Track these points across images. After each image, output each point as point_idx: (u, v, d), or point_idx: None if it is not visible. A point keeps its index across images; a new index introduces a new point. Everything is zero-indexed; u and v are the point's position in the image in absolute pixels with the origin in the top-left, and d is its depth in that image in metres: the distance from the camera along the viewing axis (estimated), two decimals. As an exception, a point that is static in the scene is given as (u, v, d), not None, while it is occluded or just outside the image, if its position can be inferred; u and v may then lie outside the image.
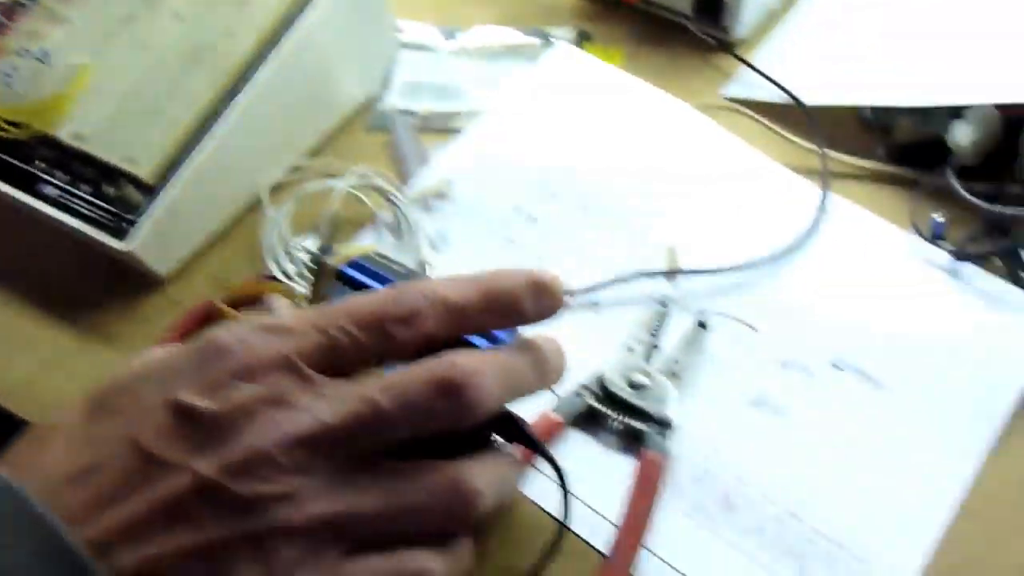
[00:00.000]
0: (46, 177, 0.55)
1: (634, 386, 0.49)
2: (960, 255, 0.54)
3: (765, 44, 0.69)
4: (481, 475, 0.34)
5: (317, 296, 0.46)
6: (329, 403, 0.32)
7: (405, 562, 0.33)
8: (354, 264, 0.46)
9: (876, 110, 0.62)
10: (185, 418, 0.31)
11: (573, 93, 0.63)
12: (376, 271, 0.45)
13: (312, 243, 0.56)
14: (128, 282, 0.55)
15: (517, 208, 0.58)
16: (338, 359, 0.34)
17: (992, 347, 0.51)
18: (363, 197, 0.58)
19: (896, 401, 0.49)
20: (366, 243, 0.57)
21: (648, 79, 0.65)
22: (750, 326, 0.53)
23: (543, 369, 0.39)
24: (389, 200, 0.58)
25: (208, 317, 0.52)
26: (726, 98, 0.66)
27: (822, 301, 0.54)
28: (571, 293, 0.54)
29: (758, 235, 0.56)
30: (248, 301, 0.51)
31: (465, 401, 0.33)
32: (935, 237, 0.56)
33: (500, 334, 0.43)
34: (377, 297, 0.35)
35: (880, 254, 0.55)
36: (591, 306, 0.54)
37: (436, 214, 0.58)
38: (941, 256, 0.55)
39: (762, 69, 0.65)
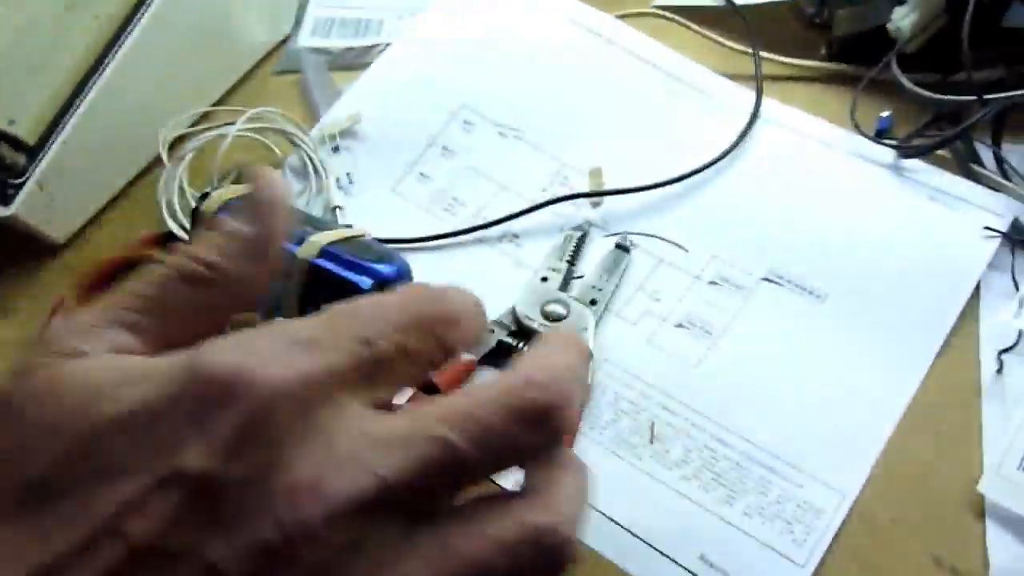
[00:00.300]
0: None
1: (549, 317, 0.46)
2: (905, 150, 0.50)
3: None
4: (566, 511, 0.25)
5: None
6: (387, 448, 0.23)
7: None
8: (230, 208, 0.43)
9: (815, 4, 0.58)
10: (192, 492, 0.22)
11: (489, 15, 0.59)
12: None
13: (214, 195, 0.53)
14: (23, 251, 0.52)
15: (430, 140, 0.54)
16: (383, 378, 0.25)
17: (940, 245, 0.47)
18: (268, 143, 0.55)
19: (836, 312, 0.46)
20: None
21: (572, -6, 0.60)
22: (679, 245, 0.49)
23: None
24: (294, 143, 0.54)
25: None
26: (656, 7, 0.61)
27: (755, 212, 0.50)
28: (487, 225, 0.50)
29: (690, 149, 0.52)
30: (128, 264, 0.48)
31: (555, 427, 0.24)
32: (881, 134, 0.52)
33: (385, 271, 0.40)
34: (407, 294, 0.27)
35: (818, 158, 0.51)
36: (510, 238, 0.50)
37: (345, 153, 0.55)
38: (885, 154, 0.51)
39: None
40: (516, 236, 0.50)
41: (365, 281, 0.39)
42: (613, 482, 0.41)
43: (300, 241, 0.40)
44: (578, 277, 0.48)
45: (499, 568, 0.24)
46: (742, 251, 0.48)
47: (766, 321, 0.46)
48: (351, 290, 0.38)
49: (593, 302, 0.47)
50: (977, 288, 0.46)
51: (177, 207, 0.52)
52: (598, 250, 0.49)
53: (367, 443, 0.23)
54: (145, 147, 0.55)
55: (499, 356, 0.45)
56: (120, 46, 0.52)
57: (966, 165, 0.50)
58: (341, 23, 0.63)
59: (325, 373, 0.23)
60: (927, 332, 0.45)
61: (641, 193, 0.51)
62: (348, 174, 0.54)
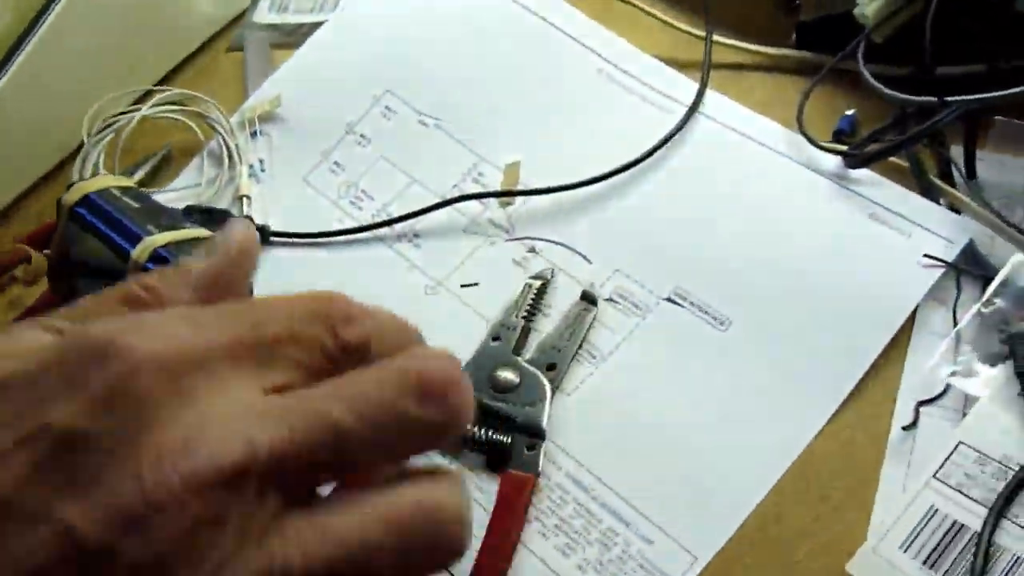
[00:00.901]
0: None
1: (498, 386, 0.40)
2: (851, 158, 0.44)
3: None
4: (463, 496, 0.25)
5: (56, 241, 0.42)
6: (265, 418, 0.22)
7: None
8: (87, 202, 0.41)
9: (790, -16, 0.51)
10: (55, 447, 0.22)
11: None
12: (108, 210, 0.40)
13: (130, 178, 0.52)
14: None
15: (348, 126, 0.51)
16: (272, 362, 0.24)
17: (872, 273, 0.41)
18: (193, 125, 0.53)
19: (737, 343, 0.40)
20: (174, 184, 0.52)
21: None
22: (582, 255, 0.44)
23: None
24: (211, 126, 0.52)
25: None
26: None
27: (672, 222, 0.44)
28: (389, 223, 0.47)
29: (621, 145, 0.47)
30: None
31: (451, 407, 0.24)
32: (839, 136, 0.46)
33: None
34: (308, 292, 0.27)
35: (755, 163, 0.45)
36: (410, 238, 0.47)
37: (262, 139, 0.52)
38: (829, 160, 0.44)
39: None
40: (417, 236, 0.47)
41: None
42: (448, 518, 0.38)
43: (138, 242, 0.38)
44: (531, 330, 0.42)
45: (385, 550, 0.22)
46: (649, 265, 0.43)
47: (657, 348, 0.41)
48: (170, 297, 0.36)
49: (551, 367, 0.41)
50: (912, 325, 0.40)
51: (89, 189, 0.51)
52: (502, 261, 0.45)
53: (244, 413, 0.22)
54: (78, 127, 0.54)
55: None
56: (46, 18, 0.51)
57: (925, 179, 0.43)
58: (300, -4, 0.61)
59: (205, 347, 0.23)
60: (837, 374, 0.39)
61: (554, 194, 0.46)
62: (261, 161, 0.51)
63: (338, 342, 0.24)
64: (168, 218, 0.41)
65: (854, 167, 0.43)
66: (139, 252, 0.38)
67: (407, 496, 0.23)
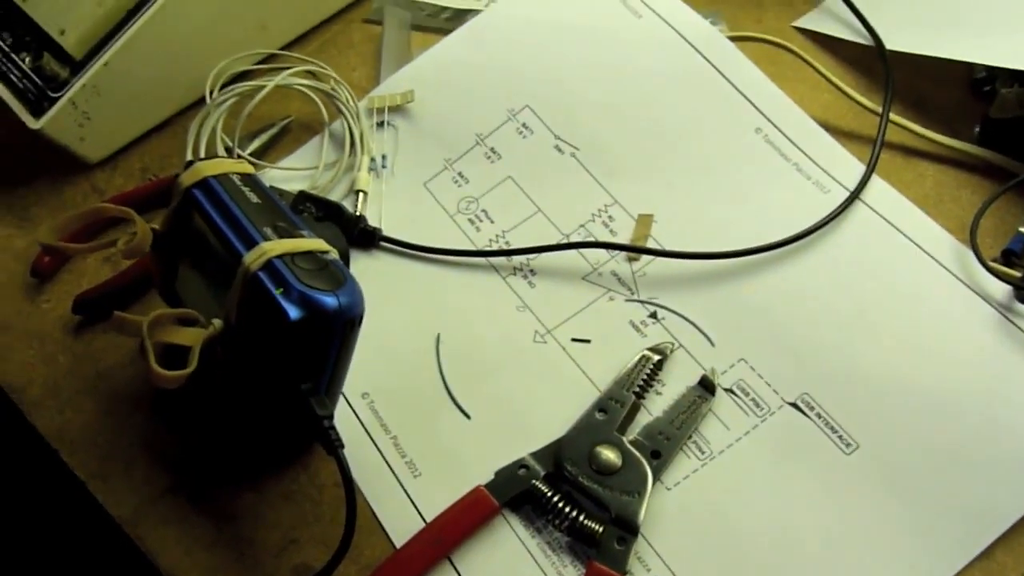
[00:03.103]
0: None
1: (596, 465, 0.37)
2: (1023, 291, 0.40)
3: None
4: None
5: (168, 219, 0.40)
6: None
7: None
8: (204, 186, 0.39)
9: (985, 70, 0.46)
10: None
11: (588, 5, 0.51)
12: (225, 201, 0.38)
13: (248, 145, 0.50)
14: (57, 163, 0.51)
15: (479, 138, 0.48)
16: None
17: (1025, 426, 0.37)
18: (319, 102, 0.50)
19: (862, 470, 0.37)
20: (290, 159, 0.50)
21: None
22: (706, 335, 0.41)
23: None
24: (337, 107, 0.50)
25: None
26: (794, 27, 0.51)
27: (809, 319, 0.41)
28: (507, 253, 0.44)
29: (766, 217, 0.44)
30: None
31: None
32: (1009, 257, 0.41)
33: (323, 302, 0.35)
34: None
35: (912, 272, 0.41)
36: (526, 273, 0.44)
37: (389, 131, 0.50)
38: (997, 286, 0.40)
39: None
40: (533, 273, 0.44)
41: (294, 311, 0.34)
42: (522, 599, 0.36)
43: (252, 245, 0.36)
44: (640, 408, 0.40)
45: None
46: (779, 362, 0.40)
47: (772, 456, 0.38)
48: (277, 315, 0.34)
49: (656, 454, 0.38)
50: (1060, 491, 0.36)
51: (202, 150, 0.49)
52: (621, 321, 0.42)
53: None
54: (197, 81, 0.52)
55: (532, 504, 0.37)
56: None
57: (1103, 327, 0.39)
58: (450, -25, 0.57)
59: None
60: (968, 530, 0.35)
61: (684, 259, 0.43)
62: (384, 156, 0.49)
63: None
64: (286, 220, 0.38)
65: (1025, 300, 0.39)
66: (252, 258, 0.35)
67: None
